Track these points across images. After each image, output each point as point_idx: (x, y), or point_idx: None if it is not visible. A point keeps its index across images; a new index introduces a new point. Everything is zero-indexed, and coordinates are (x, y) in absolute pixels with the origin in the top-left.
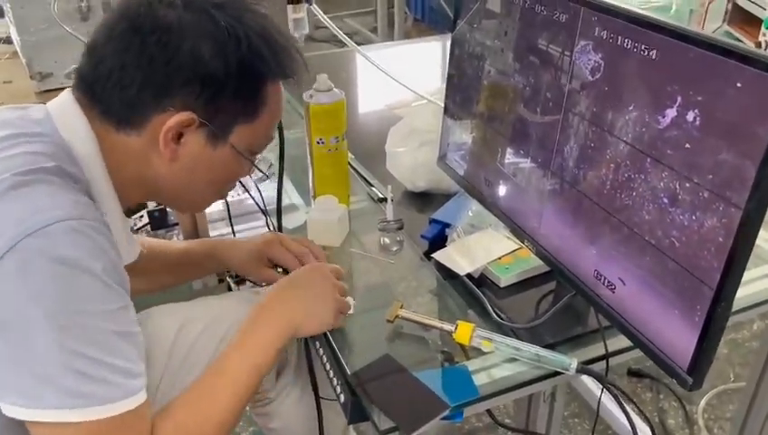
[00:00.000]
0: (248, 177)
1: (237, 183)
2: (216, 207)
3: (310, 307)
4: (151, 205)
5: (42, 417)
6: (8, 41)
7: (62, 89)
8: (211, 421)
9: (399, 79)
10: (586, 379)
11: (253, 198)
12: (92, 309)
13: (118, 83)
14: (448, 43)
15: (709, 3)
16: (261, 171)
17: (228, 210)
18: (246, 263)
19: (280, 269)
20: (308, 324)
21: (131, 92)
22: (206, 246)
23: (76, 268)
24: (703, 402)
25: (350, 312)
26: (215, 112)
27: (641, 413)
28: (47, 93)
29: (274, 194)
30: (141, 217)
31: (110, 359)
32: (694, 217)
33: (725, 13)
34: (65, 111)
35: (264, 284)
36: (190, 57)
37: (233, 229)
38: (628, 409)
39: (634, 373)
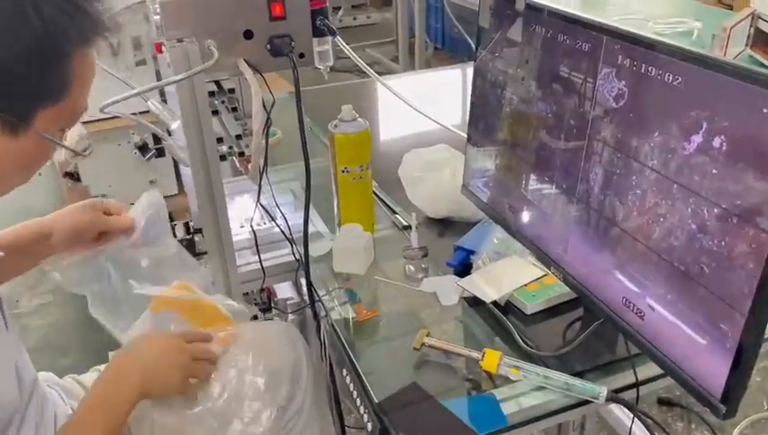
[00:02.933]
0: (276, 206)
1: (264, 212)
2: (243, 235)
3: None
4: (179, 234)
5: None
6: None
7: (96, 121)
8: None
9: (421, 108)
10: (615, 408)
11: (279, 227)
12: None
13: None
14: (469, 71)
15: (731, 27)
16: (71, 150)
17: (255, 239)
18: (71, 233)
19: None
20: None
21: None
22: (33, 224)
23: None
24: (736, 432)
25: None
26: (7, 101)
27: None
28: (82, 125)
29: (300, 222)
30: None
31: None
32: (723, 243)
33: (748, 36)
34: None
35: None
36: None
37: (260, 258)
38: None
39: (664, 402)
